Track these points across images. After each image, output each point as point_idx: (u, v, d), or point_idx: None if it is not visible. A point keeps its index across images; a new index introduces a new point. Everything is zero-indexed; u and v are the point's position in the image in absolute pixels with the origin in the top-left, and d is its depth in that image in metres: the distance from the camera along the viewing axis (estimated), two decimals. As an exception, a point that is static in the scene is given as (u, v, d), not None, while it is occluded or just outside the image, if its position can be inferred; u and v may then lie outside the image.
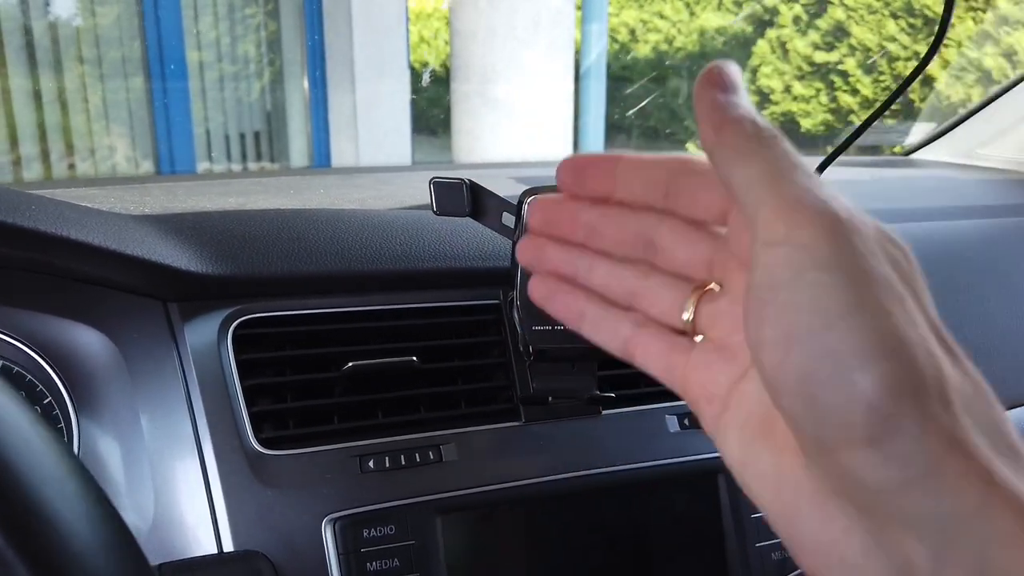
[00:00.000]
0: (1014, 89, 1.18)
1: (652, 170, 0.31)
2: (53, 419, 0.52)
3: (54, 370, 0.52)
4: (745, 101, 0.27)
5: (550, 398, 0.55)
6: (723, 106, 0.27)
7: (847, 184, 1.00)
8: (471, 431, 0.55)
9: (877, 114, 0.55)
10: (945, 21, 0.48)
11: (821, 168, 0.56)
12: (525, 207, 0.50)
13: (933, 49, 0.51)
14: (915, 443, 0.22)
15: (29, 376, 0.52)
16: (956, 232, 0.81)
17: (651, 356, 0.32)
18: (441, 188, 0.51)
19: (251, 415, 0.51)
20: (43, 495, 0.25)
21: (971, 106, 1.25)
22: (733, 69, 0.28)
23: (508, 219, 0.52)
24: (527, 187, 0.51)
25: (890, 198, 0.95)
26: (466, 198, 0.51)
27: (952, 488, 0.22)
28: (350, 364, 0.53)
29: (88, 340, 0.52)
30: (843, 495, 0.24)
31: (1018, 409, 0.74)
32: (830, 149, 0.60)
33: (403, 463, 0.52)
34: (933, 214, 0.86)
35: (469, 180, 0.51)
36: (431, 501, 0.52)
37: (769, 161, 0.25)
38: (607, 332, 0.33)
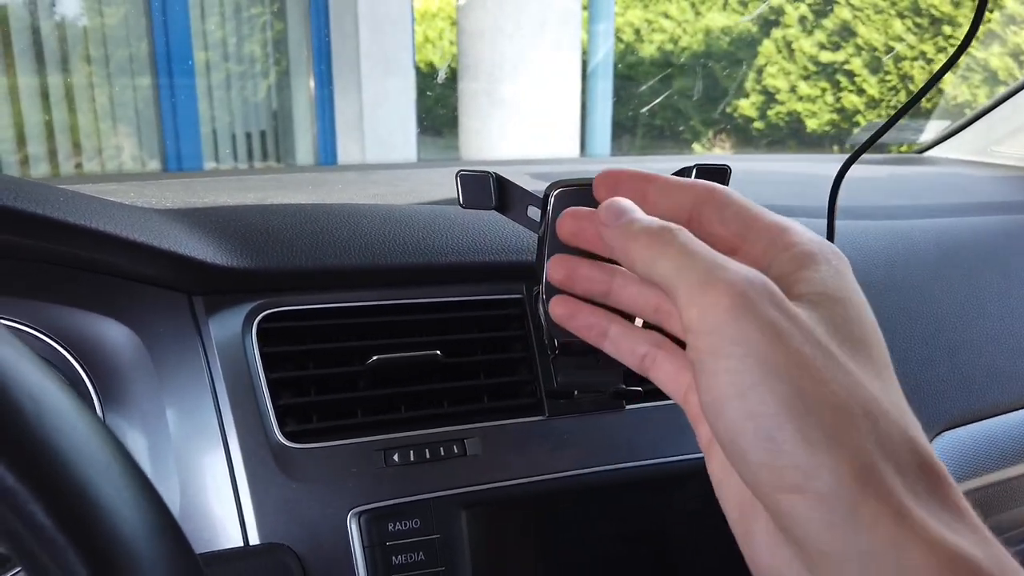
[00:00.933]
0: (1029, 86, 1.18)
1: (680, 195, 0.33)
2: (77, 412, 0.52)
3: (79, 363, 0.52)
4: (638, 215, 0.31)
5: (575, 392, 0.55)
6: (621, 229, 0.31)
7: (864, 181, 0.99)
8: (495, 425, 0.55)
9: (905, 110, 0.55)
10: (978, 17, 0.48)
11: (845, 168, 0.56)
12: (551, 200, 0.50)
13: (966, 42, 0.50)
14: (833, 488, 0.25)
15: (54, 369, 0.52)
16: (976, 228, 0.81)
17: (663, 373, 0.35)
18: (467, 181, 0.51)
19: (276, 408, 0.51)
20: (91, 479, 0.25)
21: (985, 104, 1.24)
22: (620, 200, 0.32)
23: (534, 212, 0.52)
24: (546, 182, 0.51)
25: (908, 195, 0.95)
26: (492, 191, 0.51)
27: (868, 527, 0.24)
28: (374, 358, 0.53)
29: (113, 333, 0.52)
30: (783, 531, 0.27)
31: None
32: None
33: (427, 457, 0.52)
34: (952, 210, 0.86)
35: (495, 173, 0.51)
36: (456, 495, 0.52)
37: (672, 256, 0.29)
38: (626, 349, 0.36)
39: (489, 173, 0.51)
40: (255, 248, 0.54)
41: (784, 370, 0.26)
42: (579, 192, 0.50)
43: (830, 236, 0.58)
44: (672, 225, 0.30)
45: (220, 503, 0.49)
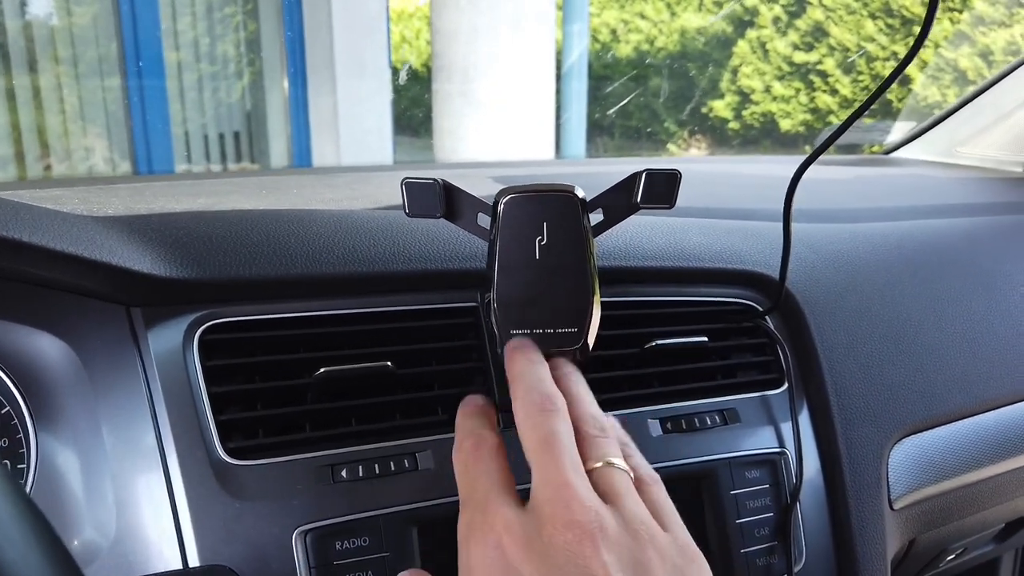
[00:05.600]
0: (992, 88, 1.19)
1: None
2: (11, 430, 0.50)
3: (11, 379, 0.50)
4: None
5: None
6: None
7: (829, 183, 0.99)
8: (448, 438, 0.53)
9: (857, 114, 0.54)
10: (929, 18, 0.47)
11: (803, 168, 0.55)
12: (500, 207, 0.48)
13: (915, 48, 0.50)
14: None
15: None
16: (938, 231, 0.80)
17: None
18: (413, 189, 0.49)
19: (218, 424, 0.49)
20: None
21: (950, 105, 1.25)
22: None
23: (483, 220, 0.51)
24: (503, 187, 0.49)
25: (871, 197, 0.94)
26: (439, 199, 0.49)
27: None
28: (322, 370, 0.51)
29: (47, 347, 0.50)
30: None
31: (1000, 410, 0.73)
32: (808, 149, 0.59)
33: (377, 472, 0.51)
34: (914, 213, 0.85)
35: (442, 180, 0.50)
36: (406, 511, 0.50)
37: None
38: None
39: (436, 180, 0.49)
40: (196, 257, 0.52)
41: None
42: (529, 199, 0.48)
43: (786, 239, 0.57)
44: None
45: (158, 524, 0.47)
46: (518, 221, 0.48)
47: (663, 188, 0.48)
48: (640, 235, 0.64)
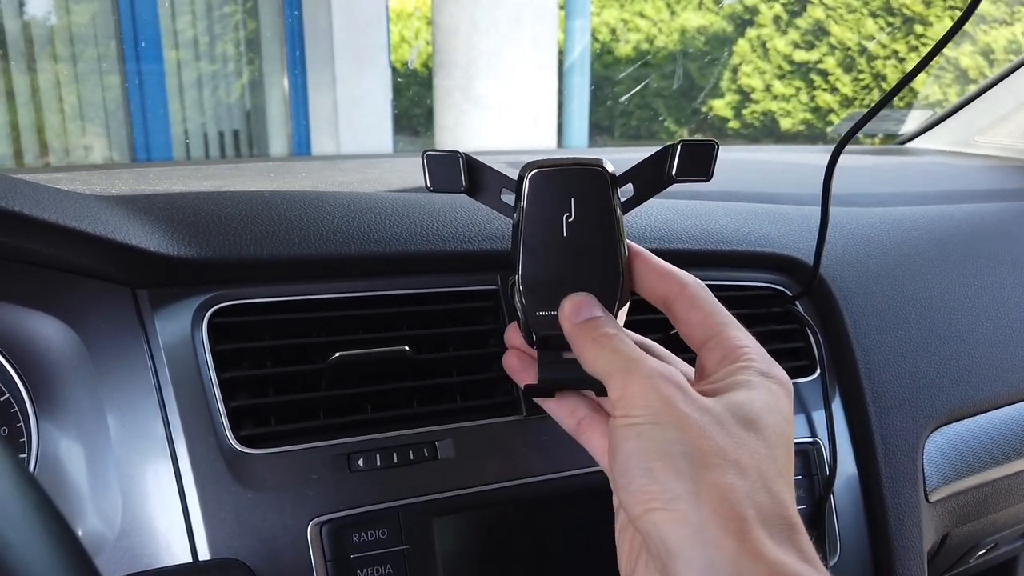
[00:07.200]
0: (1010, 76, 1.16)
1: (660, 284, 0.42)
2: (11, 417, 0.47)
3: (11, 364, 0.47)
4: (592, 313, 0.41)
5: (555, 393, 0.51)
6: (577, 328, 0.41)
7: (851, 170, 0.97)
8: (468, 426, 0.51)
9: (896, 90, 0.52)
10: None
11: (839, 148, 0.53)
12: (526, 183, 0.46)
13: (959, 24, 0.47)
14: (690, 508, 0.32)
15: None
16: (967, 215, 0.78)
17: (594, 439, 0.42)
18: (435, 162, 0.47)
19: (229, 411, 0.47)
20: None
21: (967, 94, 1.23)
22: (577, 299, 0.42)
23: (507, 196, 0.48)
24: (528, 161, 0.47)
25: (894, 183, 0.92)
26: (462, 173, 0.47)
27: (714, 544, 0.31)
28: (337, 355, 0.49)
29: (49, 331, 0.47)
30: (653, 556, 0.34)
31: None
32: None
33: (395, 461, 0.48)
34: (941, 198, 0.83)
35: (465, 154, 0.47)
36: (426, 502, 0.48)
37: (607, 355, 0.38)
38: (567, 410, 0.44)
39: (458, 153, 0.47)
40: (205, 236, 0.49)
41: (669, 424, 0.34)
42: (556, 174, 0.46)
43: (823, 221, 0.55)
44: (611, 330, 0.40)
45: (167, 515, 0.45)
46: (544, 197, 0.46)
47: (700, 159, 0.46)
48: (666, 217, 0.62)
